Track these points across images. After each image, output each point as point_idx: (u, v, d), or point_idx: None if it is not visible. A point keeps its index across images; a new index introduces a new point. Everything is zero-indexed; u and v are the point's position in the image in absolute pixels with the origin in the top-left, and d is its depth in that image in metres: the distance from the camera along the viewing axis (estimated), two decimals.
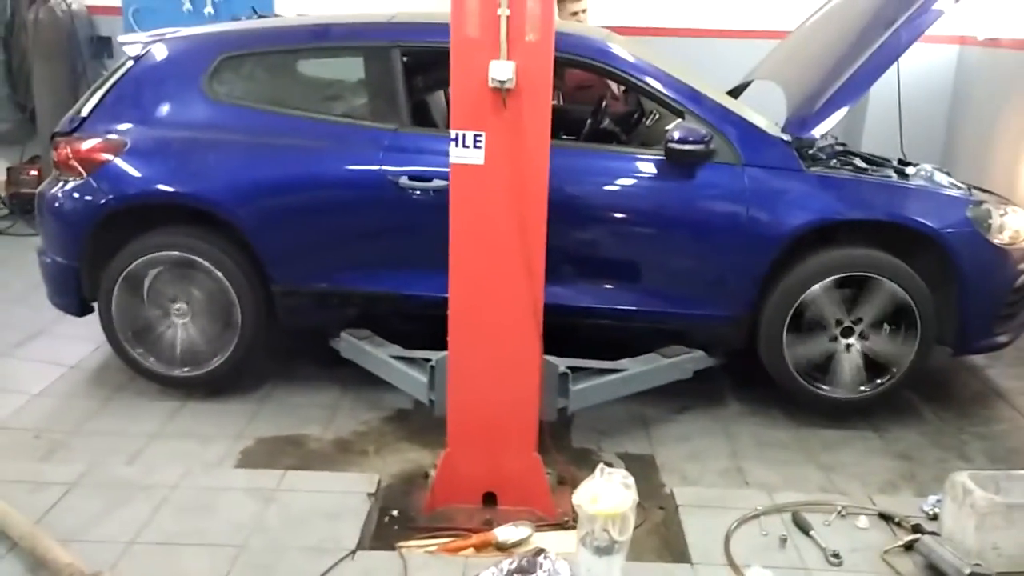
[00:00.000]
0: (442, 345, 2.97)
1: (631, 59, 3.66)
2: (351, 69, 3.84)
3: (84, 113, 3.78)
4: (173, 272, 3.70)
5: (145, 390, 3.84)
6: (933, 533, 2.66)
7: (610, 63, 3.65)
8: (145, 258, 3.66)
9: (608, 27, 4.49)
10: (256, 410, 3.74)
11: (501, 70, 2.56)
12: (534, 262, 2.76)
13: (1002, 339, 3.81)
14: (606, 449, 3.53)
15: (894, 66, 3.61)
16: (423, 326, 3.55)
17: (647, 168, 3.58)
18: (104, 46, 6.81)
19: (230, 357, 3.73)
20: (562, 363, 3.24)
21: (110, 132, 3.70)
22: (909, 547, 2.64)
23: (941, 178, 3.82)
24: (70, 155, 3.70)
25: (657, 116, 4.25)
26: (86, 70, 6.60)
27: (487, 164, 2.67)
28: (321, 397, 3.87)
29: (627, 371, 3.46)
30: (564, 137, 4.21)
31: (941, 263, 3.58)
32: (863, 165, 3.83)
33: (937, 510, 2.78)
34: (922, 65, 6.08)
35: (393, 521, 2.98)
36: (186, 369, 3.77)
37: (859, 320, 3.58)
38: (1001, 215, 3.66)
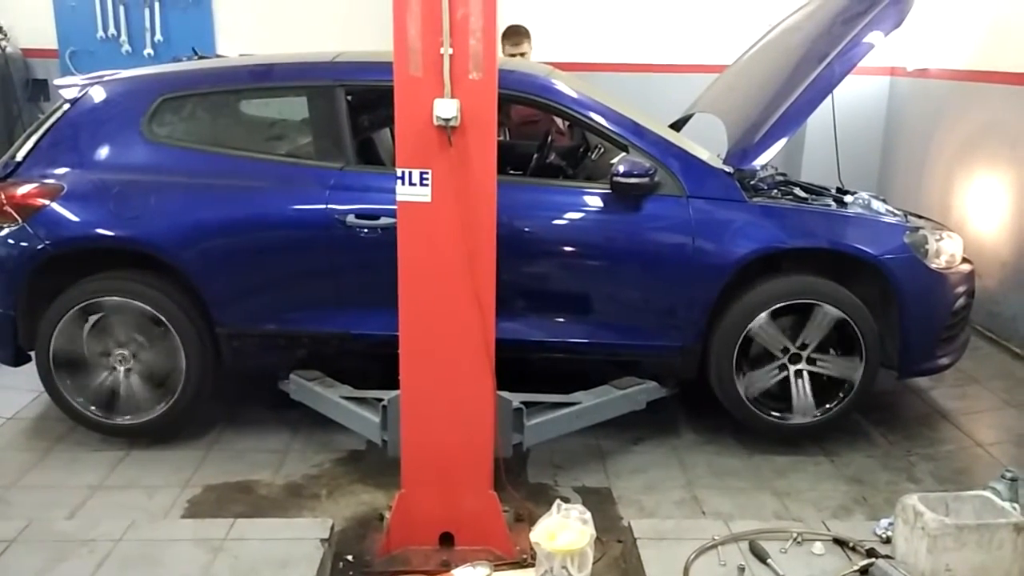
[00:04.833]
0: (394, 384, 2.93)
1: (574, 95, 3.70)
2: (295, 109, 3.83)
3: (19, 158, 3.69)
4: (113, 318, 3.61)
5: (86, 440, 3.72)
6: (887, 557, 2.68)
7: (554, 99, 3.69)
8: (84, 304, 3.57)
9: (551, 63, 4.54)
10: (203, 457, 3.65)
11: (445, 108, 2.56)
12: (484, 298, 2.75)
13: (944, 361, 3.90)
14: (563, 483, 3.51)
15: (829, 98, 3.72)
16: (374, 365, 3.52)
17: (594, 201, 3.62)
18: (40, 89, 6.70)
19: (175, 403, 3.64)
20: (516, 398, 3.23)
21: (46, 176, 3.62)
22: (864, 572, 2.65)
23: (878, 205, 3.92)
24: (4, 201, 3.60)
25: (602, 150, 4.30)
26: (22, 114, 6.48)
27: (434, 201, 2.67)
28: (271, 441, 3.79)
29: (581, 404, 3.46)
30: (511, 172, 4.24)
31: (882, 289, 3.67)
32: (803, 194, 3.92)
33: (890, 533, 2.80)
34: (856, 96, 6.27)
35: (348, 567, 2.91)
36: (129, 417, 3.67)
37: (806, 346, 3.63)
38: (937, 240, 3.76)
